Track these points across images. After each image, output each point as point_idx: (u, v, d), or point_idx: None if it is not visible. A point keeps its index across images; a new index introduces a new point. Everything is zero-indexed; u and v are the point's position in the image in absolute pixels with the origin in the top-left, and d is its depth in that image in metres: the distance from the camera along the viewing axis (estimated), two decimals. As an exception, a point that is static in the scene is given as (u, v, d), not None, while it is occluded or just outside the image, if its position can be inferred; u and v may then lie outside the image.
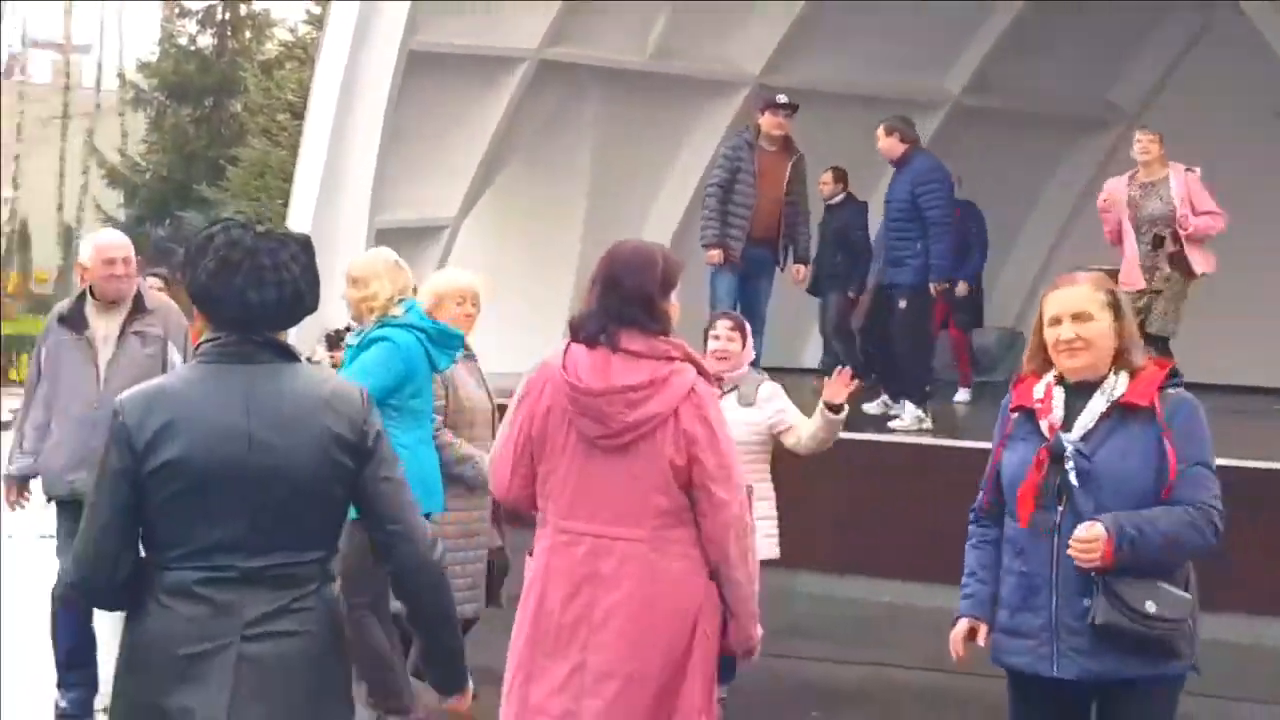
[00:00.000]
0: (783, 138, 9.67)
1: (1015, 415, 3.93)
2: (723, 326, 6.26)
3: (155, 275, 9.82)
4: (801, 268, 10.02)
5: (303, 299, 3.18)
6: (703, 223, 9.70)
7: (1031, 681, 3.84)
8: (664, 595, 3.79)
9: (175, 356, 6.12)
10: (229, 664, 3.02)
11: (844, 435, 6.26)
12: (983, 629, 3.95)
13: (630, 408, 3.77)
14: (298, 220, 12.27)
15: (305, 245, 3.20)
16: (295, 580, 3.10)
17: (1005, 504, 3.90)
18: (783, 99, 9.76)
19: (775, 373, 6.99)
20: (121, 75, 31.78)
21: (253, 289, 3.10)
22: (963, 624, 3.99)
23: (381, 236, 12.08)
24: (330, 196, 12.15)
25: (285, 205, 18.48)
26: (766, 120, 9.64)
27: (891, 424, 9.56)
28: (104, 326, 6.12)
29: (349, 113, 12.27)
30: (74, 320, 6.09)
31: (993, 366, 13.63)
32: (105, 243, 6.27)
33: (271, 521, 3.07)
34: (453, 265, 13.33)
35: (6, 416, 19.14)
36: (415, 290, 5.96)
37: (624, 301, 3.85)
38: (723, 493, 3.80)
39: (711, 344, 6.16)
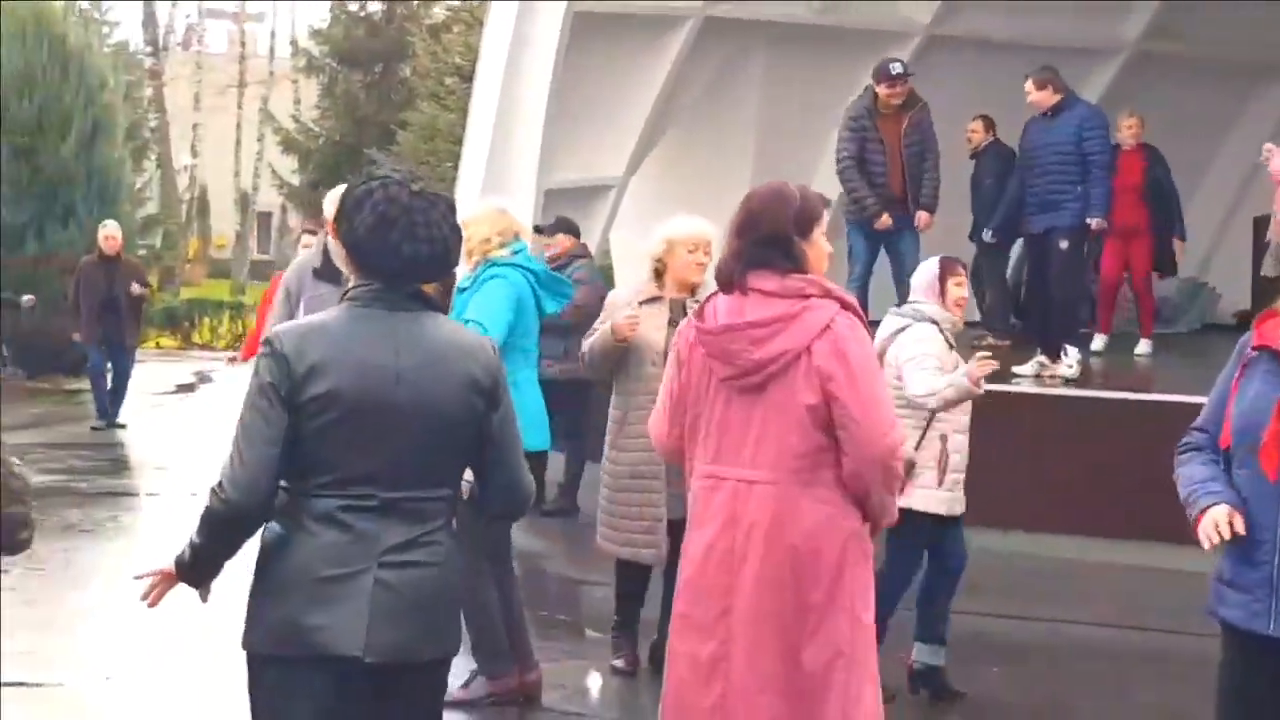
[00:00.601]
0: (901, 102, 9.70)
1: (1256, 354, 3.64)
2: (961, 274, 6.18)
3: (309, 231, 10.05)
4: (924, 215, 9.87)
5: (449, 255, 3.36)
6: (853, 198, 9.76)
7: (1247, 637, 3.61)
8: (803, 539, 3.76)
9: None
10: (366, 588, 3.19)
11: (1027, 390, 6.16)
12: (1239, 518, 3.52)
13: (755, 345, 3.76)
14: (467, 183, 12.43)
15: (451, 206, 3.39)
16: (425, 515, 3.27)
17: (1232, 451, 3.62)
18: (896, 69, 9.70)
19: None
20: (294, 43, 32.42)
21: (407, 244, 3.26)
22: (1223, 508, 3.54)
23: (550, 197, 12.21)
24: (499, 159, 12.27)
25: (455, 168, 18.77)
26: (883, 91, 9.65)
27: (1055, 372, 9.47)
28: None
29: (517, 75, 12.36)
30: (329, 272, 6.07)
31: (1174, 318, 13.28)
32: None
33: (410, 456, 3.24)
34: (620, 225, 13.49)
35: (190, 378, 19.95)
36: (518, 236, 6.01)
37: (756, 243, 3.84)
38: (863, 432, 3.72)
39: (955, 292, 6.08)
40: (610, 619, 6.50)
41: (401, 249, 3.26)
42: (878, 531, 3.97)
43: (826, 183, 12.89)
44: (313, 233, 9.76)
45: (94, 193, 19.46)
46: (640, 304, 5.99)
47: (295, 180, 29.72)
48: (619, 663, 6.34)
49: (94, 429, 13.57)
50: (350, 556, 3.20)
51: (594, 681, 6.52)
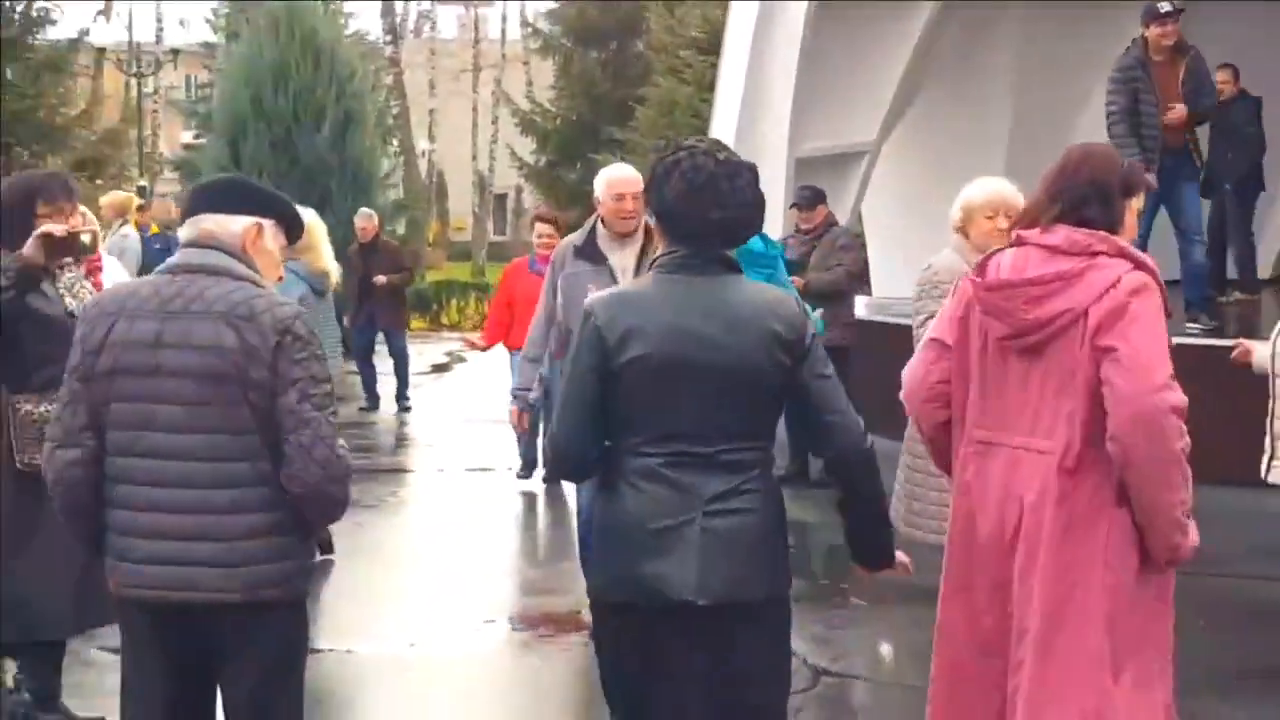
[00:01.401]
0: (1171, 45, 9.36)
1: None
2: None
3: (541, 220, 9.97)
4: None
5: (751, 220, 3.56)
6: (1124, 155, 9.43)
7: None
8: (1076, 516, 3.51)
9: None
10: (694, 536, 3.43)
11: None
12: None
13: (1033, 304, 3.53)
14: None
15: (754, 172, 3.56)
16: (742, 465, 3.48)
17: None
18: (1165, 7, 9.36)
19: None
20: (527, 24, 32.87)
21: (715, 209, 3.47)
22: None
23: (801, 165, 12.16)
24: (749, 128, 12.27)
25: (695, 141, 18.83)
26: (1153, 33, 9.37)
27: None
28: (620, 258, 6.06)
29: (765, 44, 12.34)
30: (590, 252, 6.08)
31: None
32: (615, 176, 6.17)
33: (722, 413, 3.46)
34: (872, 192, 13.36)
35: (443, 359, 20.44)
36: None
37: (1073, 189, 3.61)
38: (1127, 385, 3.38)
39: None
40: (887, 591, 6.40)
41: (710, 214, 3.48)
42: (1163, 563, 3.56)
43: (1091, 139, 12.60)
44: (546, 221, 9.79)
45: (348, 181, 20.08)
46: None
47: (534, 161, 30.11)
48: None
49: (361, 410, 14.01)
50: (677, 508, 3.44)
51: (885, 650, 6.51)
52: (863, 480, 3.60)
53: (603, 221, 6.04)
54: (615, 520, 3.53)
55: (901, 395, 3.94)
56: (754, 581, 3.48)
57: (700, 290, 3.50)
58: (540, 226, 9.68)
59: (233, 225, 3.54)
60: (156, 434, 3.39)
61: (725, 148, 3.61)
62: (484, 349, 10.69)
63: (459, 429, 13.07)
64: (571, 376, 3.54)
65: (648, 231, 6.08)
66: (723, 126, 12.71)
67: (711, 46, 18.51)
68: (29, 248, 4.74)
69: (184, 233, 3.60)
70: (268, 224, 3.60)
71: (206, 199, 3.62)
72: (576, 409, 3.51)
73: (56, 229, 4.82)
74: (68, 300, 4.91)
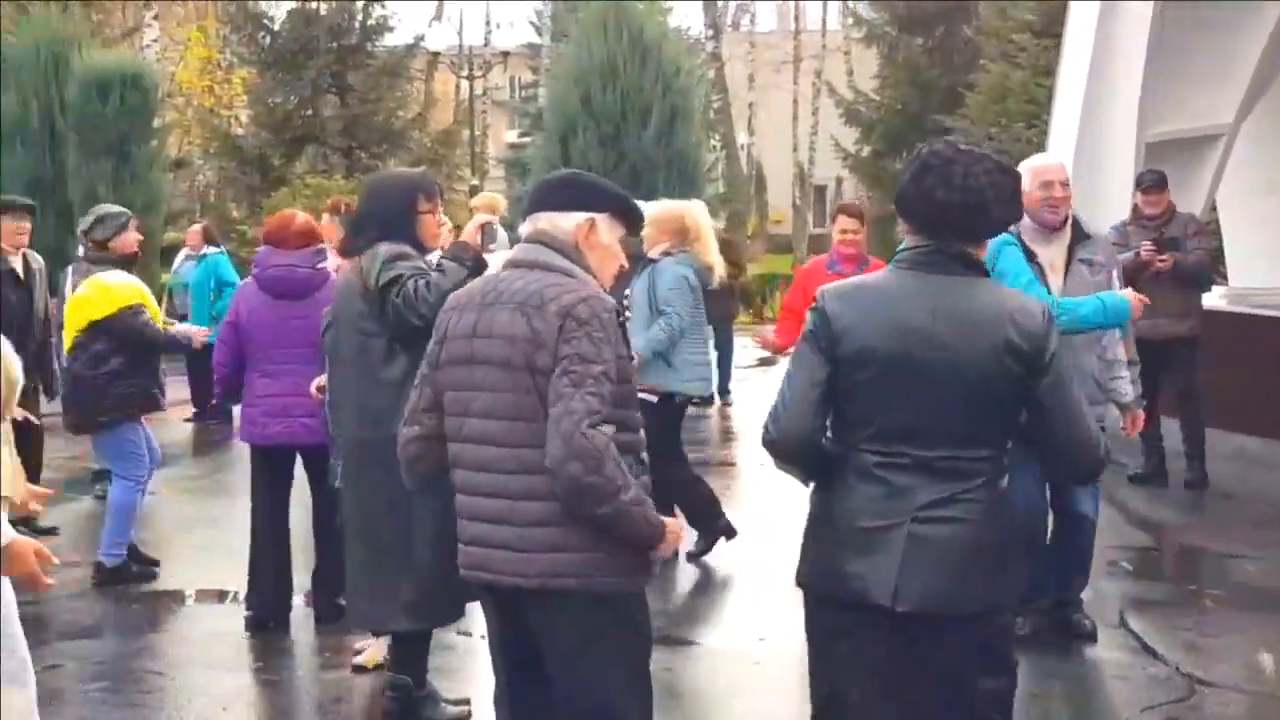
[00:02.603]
0: None
1: None
2: None
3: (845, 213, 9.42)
4: None
5: (987, 210, 3.42)
6: None
7: None
8: None
9: (1116, 285, 5.85)
10: (900, 540, 3.37)
11: None
12: None
13: None
14: (1060, 141, 12.02)
15: (1001, 166, 3.46)
16: (962, 473, 3.38)
17: None
18: None
19: None
20: (851, 13, 32.56)
21: (941, 189, 3.39)
22: None
23: (1151, 150, 11.61)
24: (1094, 112, 11.78)
25: (1028, 128, 18.26)
26: None
27: None
28: (1047, 253, 5.78)
29: (1111, 24, 11.83)
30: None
31: None
32: (1041, 164, 5.89)
33: (943, 416, 3.37)
34: (1229, 175, 12.65)
35: (766, 352, 20.42)
36: None
37: None
38: None
39: None
40: (1245, 596, 6.06)
41: (935, 194, 3.40)
42: None
43: None
44: (850, 215, 8.98)
45: (674, 176, 20.23)
46: None
47: (858, 151, 29.82)
48: None
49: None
50: (887, 510, 3.40)
51: (1267, 660, 6.13)
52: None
53: (1028, 214, 5.70)
54: (826, 514, 3.53)
55: None
56: (960, 596, 3.37)
57: (935, 287, 3.42)
58: (843, 220, 8.56)
59: (564, 222, 3.65)
60: (473, 420, 3.56)
61: (986, 151, 3.52)
62: (779, 350, 10.27)
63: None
64: (797, 359, 3.54)
65: (1075, 227, 5.84)
66: (1064, 111, 12.25)
67: (1046, 29, 17.91)
68: (472, 237, 5.10)
69: (523, 229, 3.73)
70: (601, 218, 3.67)
71: (541, 197, 3.73)
72: (798, 393, 3.48)
73: (484, 218, 5.26)
74: None
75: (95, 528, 7.75)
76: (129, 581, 7.53)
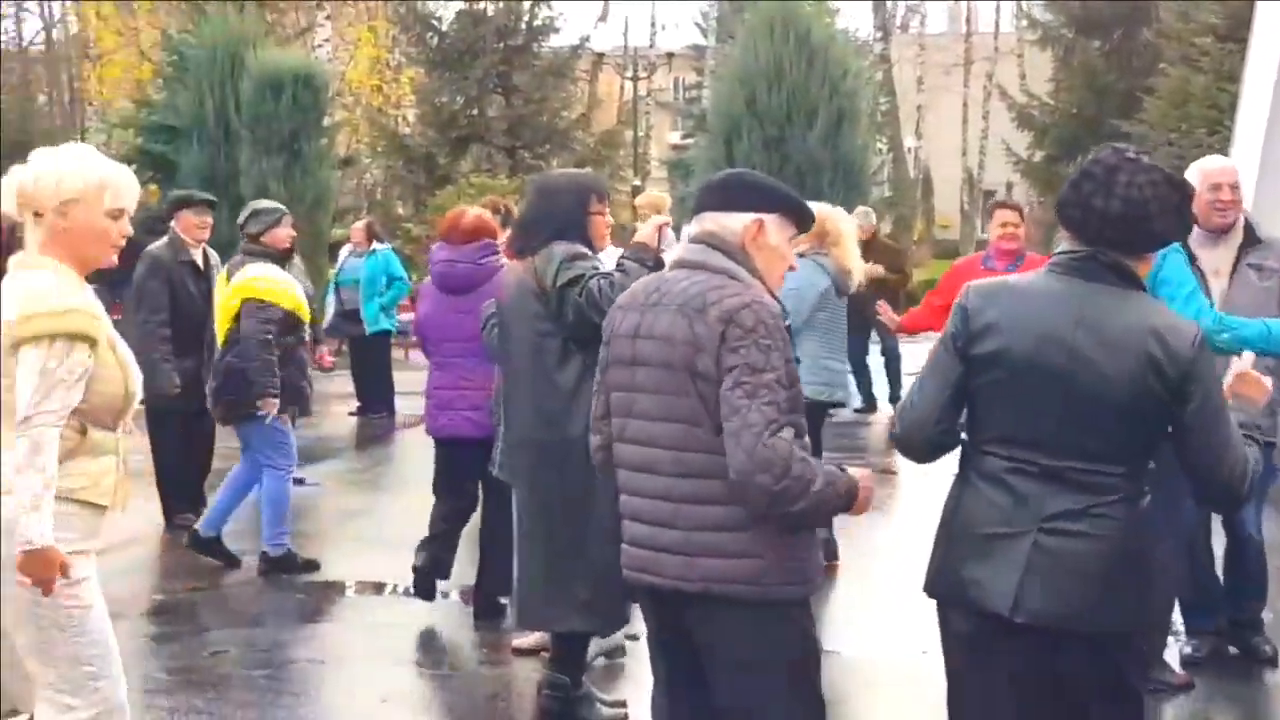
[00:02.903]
0: None
1: None
2: None
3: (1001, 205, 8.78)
4: None
5: (1149, 222, 3.30)
6: None
7: None
8: None
9: None
10: (1024, 550, 3.29)
11: None
12: None
13: None
14: (1244, 149, 11.58)
15: (1170, 179, 3.34)
16: (1097, 487, 3.28)
17: None
18: None
19: None
20: (1024, 14, 31.99)
21: (1099, 197, 3.29)
22: None
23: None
24: (1281, 119, 11.34)
25: (1210, 135, 17.68)
26: None
27: None
28: (1212, 258, 5.62)
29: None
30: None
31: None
32: (1211, 166, 5.72)
33: (1075, 427, 3.27)
34: None
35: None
36: None
37: None
38: None
39: None
40: None
41: (1093, 202, 3.31)
42: None
43: None
44: (1009, 208, 8.59)
45: (839, 180, 20.02)
46: None
47: (1030, 156, 29.28)
48: None
49: (857, 411, 13.91)
50: (1013, 518, 3.33)
51: None
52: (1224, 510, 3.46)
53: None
54: (952, 517, 3.47)
55: None
56: (1082, 613, 3.28)
57: (1082, 295, 3.33)
58: (1002, 214, 8.27)
59: (732, 222, 3.60)
60: (637, 421, 3.54)
61: (1154, 163, 3.39)
62: (900, 328, 9.76)
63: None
64: (933, 359, 3.48)
65: (1247, 230, 5.62)
66: (1249, 118, 11.80)
67: (1230, 33, 17.35)
68: (651, 238, 5.14)
69: (689, 230, 3.70)
70: (770, 219, 3.62)
71: (709, 197, 3.70)
72: (929, 394, 3.44)
73: (662, 219, 5.36)
74: None
75: (256, 517, 7.86)
76: (294, 571, 7.63)
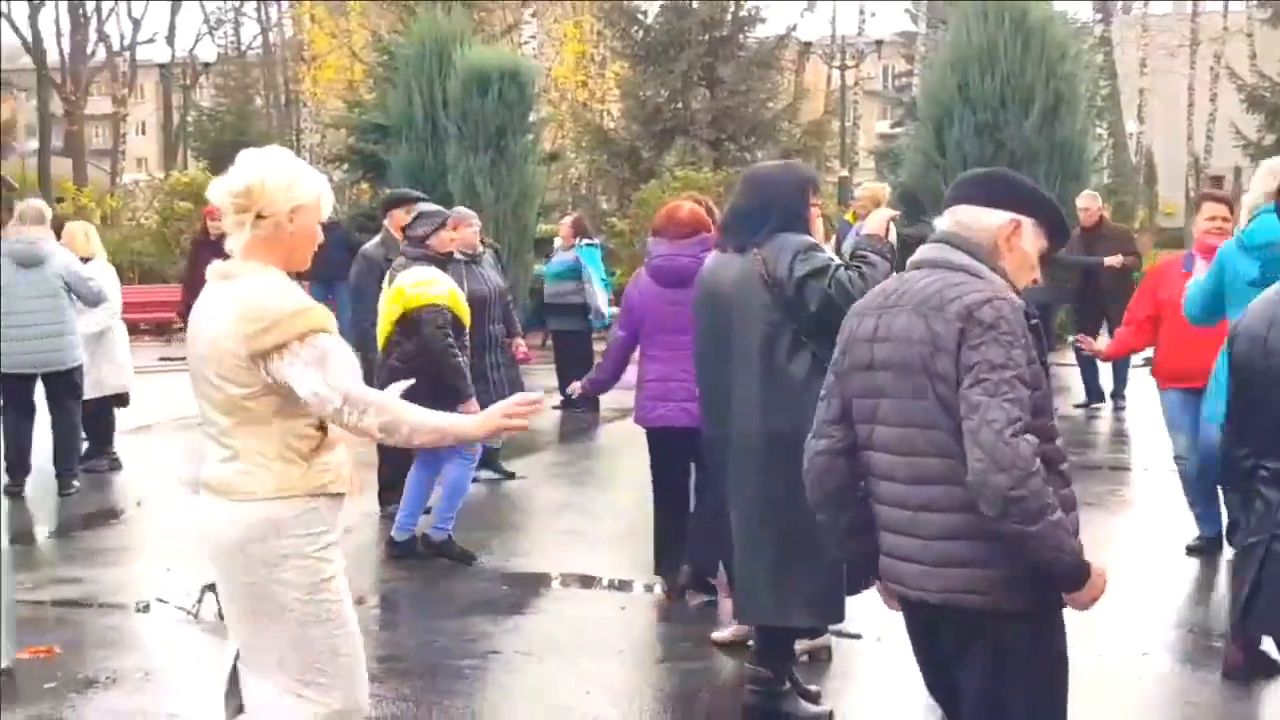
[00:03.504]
0: None
1: None
2: None
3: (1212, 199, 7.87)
4: None
5: None
6: None
7: None
8: None
9: None
10: (1258, 555, 3.33)
11: None
12: None
13: None
14: None
15: None
16: None
17: None
18: None
19: None
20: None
21: None
22: None
23: None
24: None
25: None
26: None
27: None
28: None
29: None
30: None
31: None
32: None
33: None
34: None
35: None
36: None
37: None
38: None
39: None
40: None
41: None
42: None
43: None
44: (1218, 200, 7.54)
45: (1056, 167, 19.41)
46: None
47: (1260, 139, 28.09)
48: None
49: (1076, 406, 13.48)
50: (1258, 525, 3.33)
51: None
52: None
53: None
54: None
55: None
56: None
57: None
58: (1210, 207, 7.27)
59: (987, 219, 3.45)
60: (880, 427, 3.42)
61: None
62: (1102, 356, 9.19)
63: (1145, 427, 12.05)
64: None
65: None
66: None
67: None
68: (883, 229, 5.13)
69: (939, 223, 3.56)
70: (1027, 222, 3.47)
71: (969, 190, 3.54)
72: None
73: (891, 212, 5.35)
74: None
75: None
76: (452, 558, 7.65)
